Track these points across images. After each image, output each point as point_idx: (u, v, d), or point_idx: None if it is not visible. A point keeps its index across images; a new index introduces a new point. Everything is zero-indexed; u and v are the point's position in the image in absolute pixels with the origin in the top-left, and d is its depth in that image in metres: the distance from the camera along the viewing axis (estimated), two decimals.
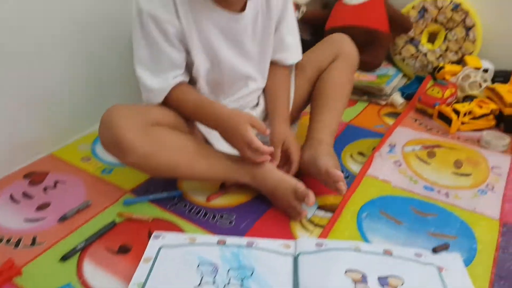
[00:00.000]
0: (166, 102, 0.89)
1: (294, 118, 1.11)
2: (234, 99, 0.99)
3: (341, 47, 1.07)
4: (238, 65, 0.95)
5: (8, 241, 0.81)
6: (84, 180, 0.98)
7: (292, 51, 1.04)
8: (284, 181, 0.88)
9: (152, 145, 0.82)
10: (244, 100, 1.00)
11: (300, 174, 0.93)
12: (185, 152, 0.86)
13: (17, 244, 0.81)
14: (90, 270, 0.75)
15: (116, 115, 0.81)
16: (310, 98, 1.07)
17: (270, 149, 0.87)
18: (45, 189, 0.96)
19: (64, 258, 0.76)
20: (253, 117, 0.88)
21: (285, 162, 0.94)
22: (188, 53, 0.89)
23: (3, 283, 0.71)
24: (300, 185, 0.86)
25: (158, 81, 0.87)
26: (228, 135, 0.87)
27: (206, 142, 0.96)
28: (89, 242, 0.80)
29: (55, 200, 0.92)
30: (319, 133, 0.99)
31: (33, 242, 0.81)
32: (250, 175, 0.90)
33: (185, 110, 0.90)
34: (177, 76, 0.88)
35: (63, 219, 0.86)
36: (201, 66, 0.91)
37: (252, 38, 0.94)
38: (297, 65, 1.07)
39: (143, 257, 0.76)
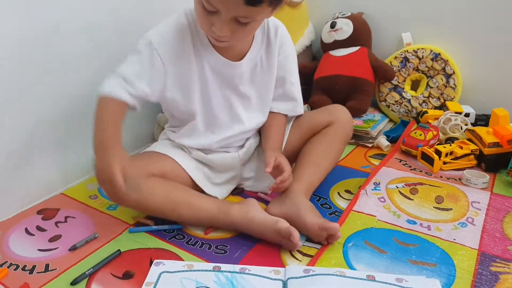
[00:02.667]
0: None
1: None
2: (221, 139, 1.12)
3: (337, 116, 1.18)
4: (229, 105, 1.10)
5: (23, 268, 0.91)
6: (91, 215, 1.08)
7: (295, 105, 1.18)
8: (267, 225, 0.97)
9: (142, 195, 0.96)
10: (228, 140, 1.14)
11: None
12: (169, 202, 1.00)
13: (31, 270, 0.90)
14: None
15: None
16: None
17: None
18: (56, 223, 1.06)
19: (74, 282, 0.85)
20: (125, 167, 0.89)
21: (278, 174, 1.04)
22: (184, 91, 1.04)
23: None
24: (281, 225, 0.94)
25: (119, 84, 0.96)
26: (99, 154, 0.90)
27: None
28: (97, 268, 0.89)
29: (66, 232, 1.02)
30: (296, 184, 1.08)
31: (46, 269, 0.90)
32: (233, 227, 1.01)
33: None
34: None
35: (73, 248, 0.95)
36: (196, 102, 1.06)
37: (249, 83, 1.10)
38: (295, 122, 1.21)
39: (145, 282, 0.85)
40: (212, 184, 1.14)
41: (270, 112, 1.17)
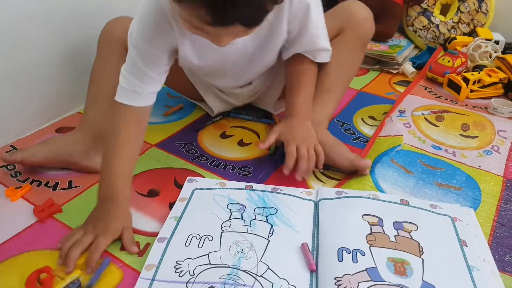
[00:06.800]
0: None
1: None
2: (223, 82, 1.07)
3: (349, 17, 1.00)
4: (223, 69, 0.98)
5: (46, 184, 0.93)
6: None
7: (321, 52, 0.97)
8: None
9: None
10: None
11: None
12: None
13: (54, 187, 0.92)
14: None
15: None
16: None
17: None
18: None
19: None
20: (129, 228, 0.79)
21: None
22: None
23: (46, 218, 0.83)
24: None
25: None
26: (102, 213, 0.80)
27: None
28: None
29: None
30: (316, 114, 0.99)
31: (69, 185, 0.92)
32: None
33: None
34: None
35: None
36: (191, 60, 0.91)
37: (244, 53, 0.93)
38: None
39: (178, 197, 0.87)
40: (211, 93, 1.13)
41: (297, 56, 0.97)
